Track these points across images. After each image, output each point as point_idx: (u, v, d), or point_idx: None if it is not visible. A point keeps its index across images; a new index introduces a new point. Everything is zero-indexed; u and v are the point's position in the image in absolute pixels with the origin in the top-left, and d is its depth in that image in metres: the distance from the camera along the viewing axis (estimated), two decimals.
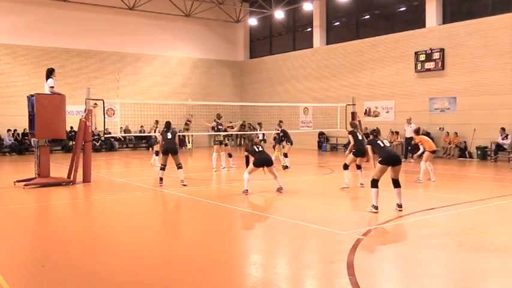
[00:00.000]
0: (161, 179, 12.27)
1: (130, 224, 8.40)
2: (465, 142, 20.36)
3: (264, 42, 31.63)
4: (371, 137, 9.44)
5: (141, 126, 26.00)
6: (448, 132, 20.75)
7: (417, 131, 13.75)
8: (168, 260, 6.10)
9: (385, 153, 8.81)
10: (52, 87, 12.56)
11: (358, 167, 11.88)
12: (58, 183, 12.58)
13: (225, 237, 7.39)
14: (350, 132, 11.78)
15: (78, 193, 12.00)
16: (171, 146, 12.25)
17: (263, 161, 11.01)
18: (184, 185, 12.11)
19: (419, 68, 21.76)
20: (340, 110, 19.60)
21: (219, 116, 16.27)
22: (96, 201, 10.92)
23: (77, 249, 6.67)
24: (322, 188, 12.66)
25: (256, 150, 11.19)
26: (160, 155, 13.34)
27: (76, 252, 6.47)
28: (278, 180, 11.22)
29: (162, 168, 12.31)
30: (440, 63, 20.98)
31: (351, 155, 11.63)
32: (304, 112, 27.33)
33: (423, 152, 13.06)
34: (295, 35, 29.49)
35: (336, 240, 7.04)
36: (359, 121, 19.42)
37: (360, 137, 11.71)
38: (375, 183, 8.71)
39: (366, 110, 24.13)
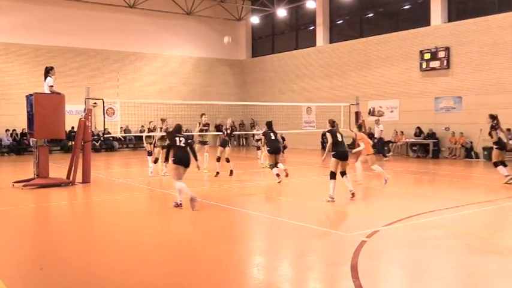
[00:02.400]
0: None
1: (131, 225, 8.39)
2: (471, 142, 20.31)
3: (267, 41, 31.61)
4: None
5: (142, 126, 25.98)
6: (453, 132, 20.70)
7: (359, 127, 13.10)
8: (168, 261, 6.09)
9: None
10: (51, 86, 12.55)
11: (343, 173, 10.30)
12: (57, 184, 12.57)
13: (226, 238, 7.37)
14: (328, 131, 10.36)
15: (77, 194, 11.99)
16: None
17: (181, 160, 9.36)
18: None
19: (424, 66, 21.71)
20: (343, 109, 19.57)
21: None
22: (96, 202, 10.91)
23: (77, 250, 6.66)
24: (325, 189, 12.60)
25: (177, 142, 9.44)
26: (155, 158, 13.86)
27: (75, 254, 6.46)
28: (188, 191, 9.27)
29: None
30: (445, 61, 20.92)
31: (333, 158, 10.14)
32: (307, 112, 27.29)
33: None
34: (298, 33, 29.46)
35: (340, 242, 7.02)
36: (363, 121, 19.43)
37: (340, 138, 10.24)
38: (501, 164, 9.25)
39: (370, 109, 24.05)
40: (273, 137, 13.25)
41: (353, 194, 10.33)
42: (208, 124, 15.72)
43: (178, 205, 9.37)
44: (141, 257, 6.32)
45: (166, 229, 8.12)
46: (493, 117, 12.82)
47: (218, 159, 14.62)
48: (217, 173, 14.56)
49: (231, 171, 14.58)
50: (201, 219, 9.03)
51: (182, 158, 9.39)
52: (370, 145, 12.74)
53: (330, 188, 10.03)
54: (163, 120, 15.26)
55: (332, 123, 10.53)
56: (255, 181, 13.57)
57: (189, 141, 9.79)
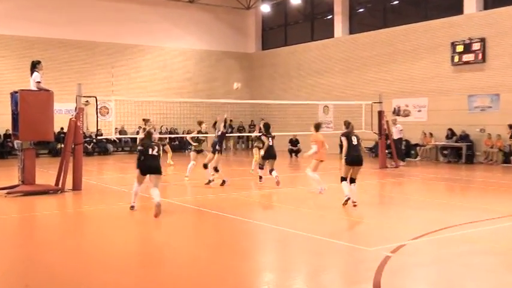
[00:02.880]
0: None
1: (127, 237, 8.40)
2: (510, 146, 20.12)
3: (278, 32, 31.62)
4: None
5: (139, 127, 26.09)
6: (489, 134, 20.53)
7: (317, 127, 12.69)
8: (168, 278, 6.08)
9: None
10: (39, 82, 12.62)
11: (352, 180, 10.58)
12: (44, 191, 12.63)
13: (233, 252, 7.36)
14: (343, 135, 10.78)
15: (67, 202, 12.04)
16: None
17: (150, 168, 9.93)
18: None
19: (456, 60, 21.58)
20: (365, 108, 19.49)
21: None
22: (88, 212, 10.94)
23: (66, 265, 6.67)
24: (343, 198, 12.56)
25: (150, 152, 9.95)
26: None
27: (64, 269, 6.47)
28: (157, 197, 9.67)
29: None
30: (480, 55, 20.77)
31: (344, 164, 10.63)
32: (324, 111, 27.25)
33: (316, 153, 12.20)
34: (314, 23, 29.43)
35: (361, 257, 6.98)
36: (387, 121, 19.36)
37: (356, 141, 10.65)
38: None
39: (394, 108, 23.99)
40: (270, 143, 13.70)
41: (354, 204, 10.44)
42: (207, 133, 15.46)
43: (132, 208, 10.26)
44: (140, 273, 6.31)
45: (167, 243, 8.11)
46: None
47: (205, 166, 13.92)
48: (210, 181, 13.97)
49: (223, 182, 13.82)
50: (205, 231, 9.03)
51: (152, 166, 10.00)
52: (325, 151, 12.48)
53: (344, 190, 10.48)
54: (146, 121, 15.13)
55: (347, 125, 10.88)
56: (265, 189, 13.54)
57: (162, 144, 10.36)
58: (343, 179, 10.59)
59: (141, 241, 8.24)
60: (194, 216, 10.32)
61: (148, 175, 10.04)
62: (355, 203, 10.45)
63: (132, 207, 10.27)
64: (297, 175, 16.93)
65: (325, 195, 12.41)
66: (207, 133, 15.48)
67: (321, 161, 12.36)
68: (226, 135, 15.15)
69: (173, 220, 9.91)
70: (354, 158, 10.53)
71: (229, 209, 10.60)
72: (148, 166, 10.02)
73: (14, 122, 12.92)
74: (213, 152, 13.98)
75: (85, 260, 6.92)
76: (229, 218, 9.78)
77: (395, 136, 20.03)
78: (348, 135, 10.68)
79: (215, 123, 14.60)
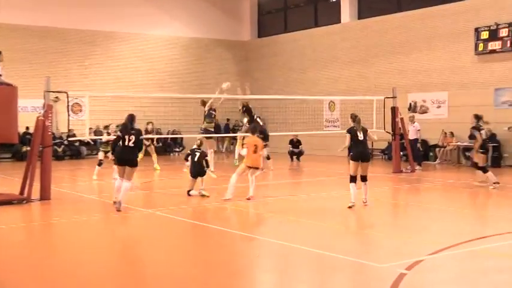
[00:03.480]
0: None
1: (103, 253, 8.38)
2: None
3: (277, 17, 31.66)
4: None
5: (117, 126, 26.02)
6: None
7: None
8: None
9: None
10: (0, 75, 12.62)
11: (363, 178, 11.37)
12: (7, 201, 12.59)
13: (226, 270, 7.36)
14: (348, 131, 11.51)
15: (33, 214, 12.01)
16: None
17: (124, 160, 11.29)
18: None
19: (480, 49, 21.64)
20: (376, 104, 19.52)
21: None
22: (57, 225, 10.92)
23: (32, 286, 6.65)
24: (353, 209, 12.58)
25: (126, 142, 11.26)
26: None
27: None
28: (121, 195, 11.27)
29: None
30: (509, 42, 20.83)
31: (351, 161, 11.51)
32: (330, 107, 27.28)
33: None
34: (318, 6, 29.47)
35: (371, 275, 7.00)
36: (401, 119, 19.39)
37: (361, 137, 11.35)
38: None
39: (410, 104, 24.03)
40: (261, 123, 16.29)
41: (365, 204, 11.27)
42: (215, 110, 17.64)
43: (115, 203, 11.28)
44: None
45: (154, 260, 8.07)
46: (478, 118, 14.99)
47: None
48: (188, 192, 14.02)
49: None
50: (190, 245, 9.03)
51: (125, 158, 11.26)
52: (259, 158, 12.53)
53: (351, 193, 11.18)
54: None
55: (354, 118, 11.55)
56: (261, 198, 13.53)
57: (140, 137, 11.56)
58: (352, 179, 11.24)
59: (119, 258, 8.21)
60: (183, 229, 10.31)
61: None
62: (366, 203, 11.12)
63: (115, 203, 11.29)
64: (298, 181, 16.95)
65: (330, 204, 12.43)
66: (216, 109, 17.75)
67: (248, 167, 12.37)
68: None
69: (162, 236, 9.91)
70: (359, 154, 11.26)
71: (222, 221, 10.63)
72: (122, 157, 11.27)
73: None
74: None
75: (51, 280, 6.91)
76: (222, 231, 9.78)
77: (412, 136, 20.02)
78: (352, 131, 11.32)
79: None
